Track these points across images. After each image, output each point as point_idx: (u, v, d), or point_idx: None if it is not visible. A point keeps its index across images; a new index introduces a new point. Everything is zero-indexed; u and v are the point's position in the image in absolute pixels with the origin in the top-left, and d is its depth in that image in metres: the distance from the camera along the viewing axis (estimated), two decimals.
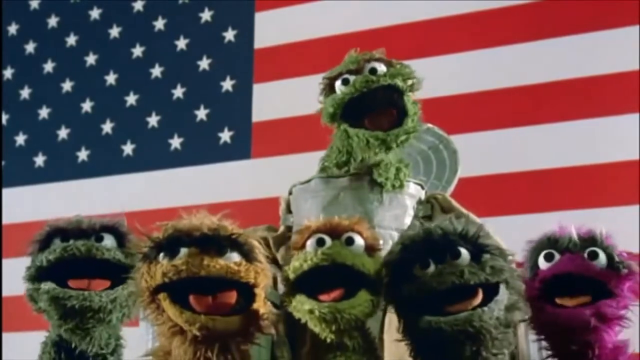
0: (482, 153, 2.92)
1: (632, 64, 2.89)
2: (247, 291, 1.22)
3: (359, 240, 1.35)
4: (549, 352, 1.40)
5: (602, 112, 2.91)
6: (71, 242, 1.43)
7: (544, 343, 1.41)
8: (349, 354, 1.32)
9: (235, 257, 1.21)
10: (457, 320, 1.20)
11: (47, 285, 1.40)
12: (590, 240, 1.38)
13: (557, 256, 1.38)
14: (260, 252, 1.25)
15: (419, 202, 1.72)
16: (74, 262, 1.41)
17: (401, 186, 1.66)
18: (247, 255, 1.22)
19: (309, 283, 1.31)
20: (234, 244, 1.21)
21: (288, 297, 1.34)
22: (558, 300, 1.35)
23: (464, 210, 1.69)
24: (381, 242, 1.63)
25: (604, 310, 1.31)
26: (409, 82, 1.68)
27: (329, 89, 1.72)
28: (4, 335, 3.18)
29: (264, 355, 1.52)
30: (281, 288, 1.67)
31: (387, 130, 1.63)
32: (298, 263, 1.32)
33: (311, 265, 1.30)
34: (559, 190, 2.87)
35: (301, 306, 1.30)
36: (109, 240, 1.46)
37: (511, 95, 3.05)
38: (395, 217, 1.68)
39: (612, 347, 1.35)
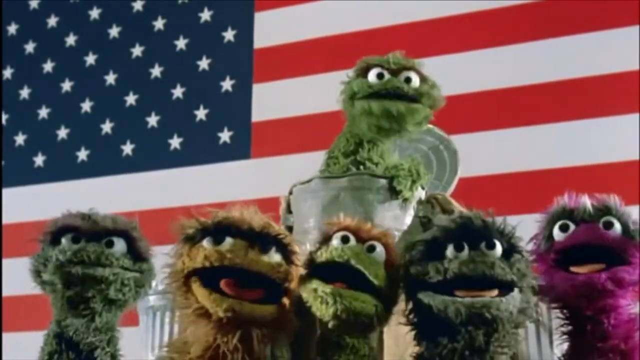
0: (482, 153, 2.92)
1: (632, 64, 2.89)
2: (275, 289, 1.22)
3: (381, 251, 1.35)
4: (565, 324, 1.39)
5: (602, 112, 2.91)
6: (82, 243, 1.44)
7: (558, 316, 1.40)
8: (351, 356, 1.32)
9: (277, 257, 1.22)
10: (474, 304, 1.20)
11: (54, 252, 1.43)
12: (605, 209, 1.37)
13: (572, 227, 1.37)
14: (298, 257, 1.26)
15: (419, 202, 1.72)
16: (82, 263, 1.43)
17: (410, 199, 1.68)
18: (288, 257, 1.23)
19: (324, 273, 1.32)
20: (278, 244, 1.22)
21: (303, 281, 1.35)
22: (572, 269, 1.34)
23: (465, 211, 1.69)
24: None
25: (620, 275, 1.31)
26: (434, 104, 1.73)
27: (363, 71, 1.74)
28: (4, 335, 3.18)
29: None
30: None
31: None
32: (319, 252, 1.34)
33: (328, 258, 1.32)
34: (559, 191, 2.86)
35: (308, 285, 1.31)
36: (119, 245, 1.46)
37: (511, 95, 3.05)
38: (396, 217, 1.68)
39: (627, 318, 1.34)
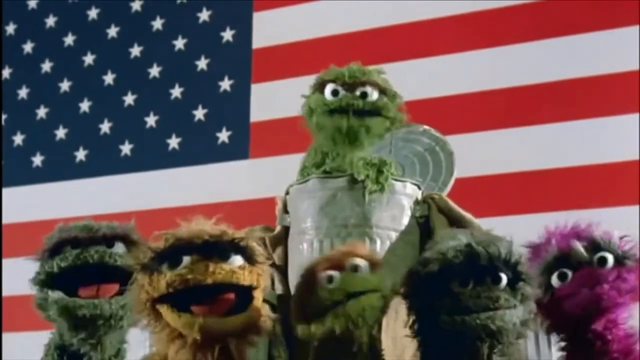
0: (482, 153, 2.91)
1: (632, 64, 2.89)
2: (245, 293, 1.21)
3: (363, 264, 1.35)
4: (564, 346, 1.42)
5: (602, 112, 2.91)
6: (83, 249, 1.44)
7: (557, 339, 1.44)
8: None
9: (238, 260, 1.21)
10: (480, 317, 1.21)
11: (55, 295, 1.41)
12: (594, 246, 1.41)
13: (570, 274, 1.40)
14: (260, 254, 1.25)
15: (416, 202, 1.71)
16: (86, 268, 1.43)
17: (382, 189, 1.66)
18: (250, 258, 1.22)
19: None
20: (236, 248, 1.21)
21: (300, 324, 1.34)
22: None
23: (462, 211, 1.69)
24: (378, 242, 1.64)
25: (617, 284, 1.35)
26: (394, 116, 1.73)
27: (320, 87, 1.75)
28: (4, 335, 3.18)
29: (261, 355, 1.52)
30: (278, 288, 1.67)
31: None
32: (321, 306, 1.31)
33: (322, 306, 1.31)
34: (559, 190, 2.87)
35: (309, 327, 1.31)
36: (119, 247, 1.47)
37: (511, 95, 3.05)
38: (393, 217, 1.67)
39: (624, 334, 1.37)
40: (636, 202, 2.69)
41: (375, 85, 1.72)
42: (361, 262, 1.35)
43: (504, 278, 1.25)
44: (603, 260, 1.38)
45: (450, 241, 1.29)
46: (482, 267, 1.25)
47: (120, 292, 1.42)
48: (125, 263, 1.42)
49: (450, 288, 1.25)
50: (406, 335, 1.32)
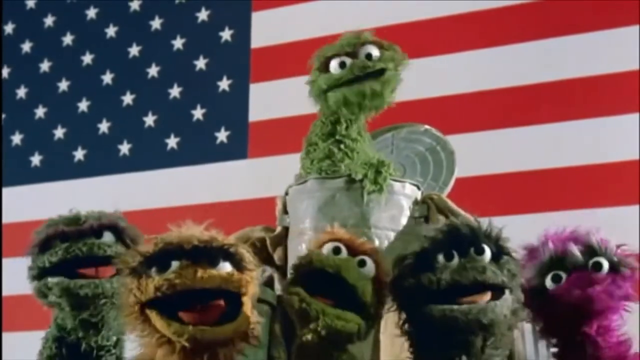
0: (481, 153, 2.91)
1: (632, 64, 2.89)
2: (235, 300, 1.21)
3: (371, 266, 1.35)
4: (556, 347, 1.42)
5: (602, 112, 2.91)
6: (72, 242, 1.44)
7: (550, 340, 1.43)
8: None
9: (227, 267, 1.20)
10: (471, 310, 1.22)
11: (56, 279, 1.42)
12: (590, 251, 1.41)
13: (564, 276, 1.40)
14: (250, 261, 1.24)
15: (415, 202, 1.71)
16: (77, 260, 1.43)
17: (380, 190, 1.65)
18: (238, 264, 1.22)
19: (312, 282, 1.32)
20: (225, 254, 1.21)
21: (289, 285, 1.35)
22: None
23: (460, 211, 1.69)
24: (377, 242, 1.64)
25: (610, 288, 1.35)
26: (400, 66, 1.74)
27: (324, 66, 1.74)
28: (4, 335, 3.18)
29: (261, 355, 1.51)
30: (278, 288, 1.67)
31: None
32: (309, 259, 1.33)
33: (318, 267, 1.31)
34: (559, 190, 2.86)
35: (293, 291, 1.31)
36: (108, 237, 1.47)
37: (511, 95, 3.04)
38: (392, 217, 1.67)
39: (617, 340, 1.37)
40: (636, 202, 2.69)
41: (373, 42, 1.73)
42: (370, 264, 1.34)
43: (487, 249, 1.27)
44: (598, 266, 1.39)
45: (431, 226, 1.35)
46: (465, 239, 1.27)
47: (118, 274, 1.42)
48: (115, 251, 1.43)
49: (435, 264, 1.26)
50: (396, 335, 1.33)
